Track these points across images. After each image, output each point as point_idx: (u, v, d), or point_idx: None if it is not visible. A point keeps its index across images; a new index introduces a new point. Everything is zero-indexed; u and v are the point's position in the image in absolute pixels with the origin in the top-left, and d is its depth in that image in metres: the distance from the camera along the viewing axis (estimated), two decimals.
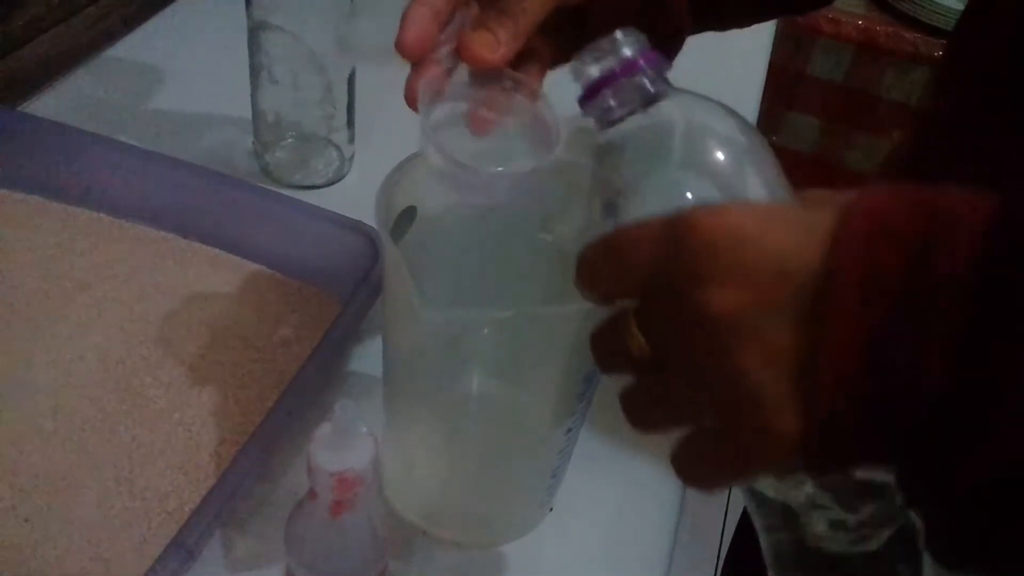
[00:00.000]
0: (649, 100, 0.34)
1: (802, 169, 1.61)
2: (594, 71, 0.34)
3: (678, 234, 0.28)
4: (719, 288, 0.27)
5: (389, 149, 0.45)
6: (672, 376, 0.30)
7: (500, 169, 0.40)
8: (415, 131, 0.43)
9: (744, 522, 0.80)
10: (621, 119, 0.34)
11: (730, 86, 0.55)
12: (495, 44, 0.39)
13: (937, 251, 0.25)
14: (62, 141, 0.63)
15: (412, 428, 0.49)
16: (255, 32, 0.64)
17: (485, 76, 0.41)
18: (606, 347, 0.32)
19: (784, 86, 1.49)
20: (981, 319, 0.24)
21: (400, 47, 0.40)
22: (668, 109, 0.34)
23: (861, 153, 1.53)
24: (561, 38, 0.44)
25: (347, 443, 0.36)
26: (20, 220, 0.62)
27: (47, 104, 0.75)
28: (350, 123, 0.70)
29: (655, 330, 0.29)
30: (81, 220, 0.63)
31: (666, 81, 0.34)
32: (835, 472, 0.28)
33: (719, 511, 1.55)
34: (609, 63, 0.34)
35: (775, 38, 1.06)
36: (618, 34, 0.34)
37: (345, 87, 0.68)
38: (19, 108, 0.74)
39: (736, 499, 1.56)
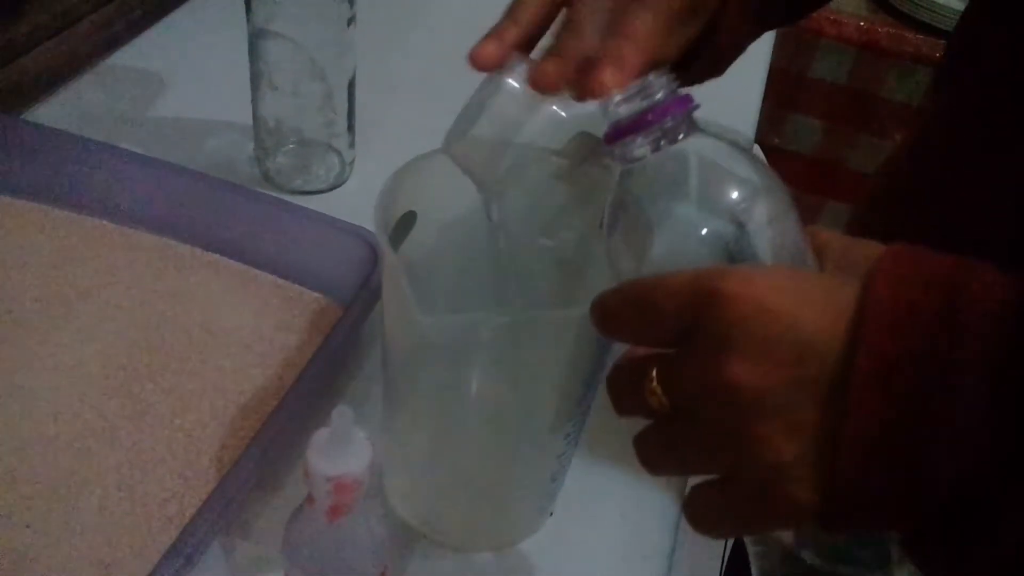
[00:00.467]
0: (673, 141, 0.34)
1: (805, 170, 1.61)
2: (625, 113, 0.34)
3: (707, 300, 0.28)
4: (747, 361, 0.27)
5: (389, 154, 0.45)
6: (691, 432, 0.30)
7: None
8: (414, 136, 0.43)
9: None
10: (639, 155, 0.34)
11: (731, 88, 0.55)
12: (620, 78, 0.38)
13: (957, 339, 0.25)
14: (63, 148, 0.64)
15: (412, 432, 0.49)
16: (255, 39, 0.64)
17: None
18: (624, 394, 0.33)
19: (786, 88, 1.49)
20: (998, 409, 0.25)
21: (474, 56, 0.41)
22: (689, 149, 0.34)
23: (863, 154, 1.53)
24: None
25: (344, 448, 0.36)
26: (22, 227, 0.63)
27: (50, 112, 0.76)
28: (350, 129, 0.70)
29: (677, 389, 0.30)
30: (83, 227, 0.64)
31: (692, 122, 0.34)
32: (847, 534, 0.29)
33: None
34: (640, 106, 0.34)
35: (776, 40, 1.06)
36: (651, 77, 0.34)
37: (345, 93, 0.68)
38: (22, 116, 0.74)
39: None
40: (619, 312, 0.31)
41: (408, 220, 0.46)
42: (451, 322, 0.40)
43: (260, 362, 0.57)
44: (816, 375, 0.27)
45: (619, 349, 0.45)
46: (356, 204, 0.59)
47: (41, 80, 0.80)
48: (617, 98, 0.34)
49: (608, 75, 0.37)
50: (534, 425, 0.46)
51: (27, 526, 0.47)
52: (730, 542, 0.79)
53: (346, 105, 0.69)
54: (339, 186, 0.72)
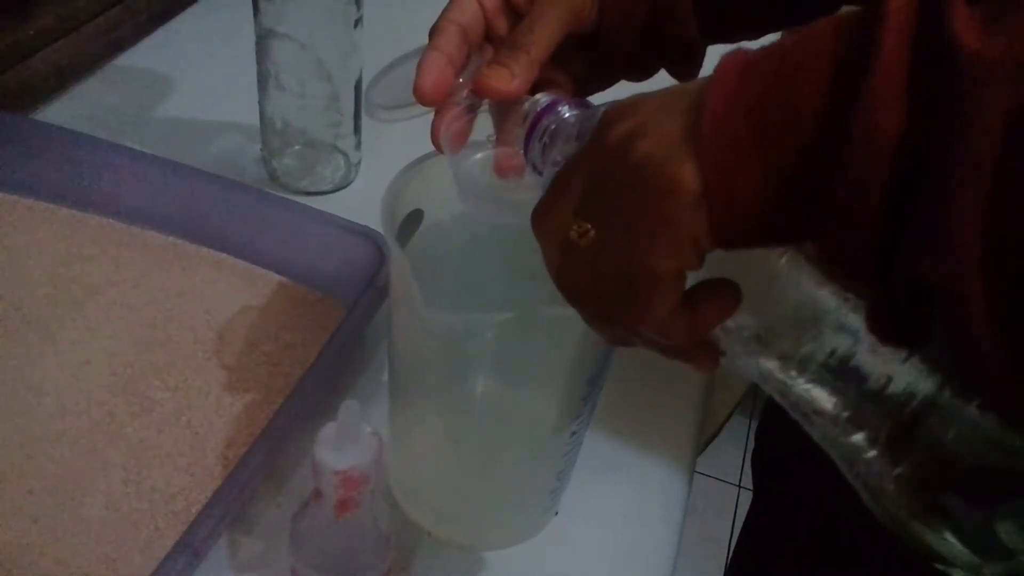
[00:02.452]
0: (580, 130, 0.36)
1: None
2: (523, 130, 0.38)
3: (598, 126, 0.32)
4: (621, 122, 0.31)
5: (395, 155, 0.46)
6: (599, 220, 0.31)
7: (527, 195, 0.41)
8: (422, 138, 0.43)
9: (749, 527, 0.80)
10: (559, 155, 0.37)
11: None
12: (510, 76, 0.40)
13: (802, 50, 0.27)
14: (71, 147, 0.64)
15: (418, 430, 0.49)
16: (263, 40, 0.65)
17: (506, 110, 0.42)
18: (551, 243, 0.34)
19: None
20: (845, 68, 0.26)
21: (418, 94, 0.41)
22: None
23: None
24: (575, 65, 0.45)
25: (351, 442, 0.37)
26: (30, 225, 0.63)
27: (58, 112, 0.76)
28: (356, 130, 0.71)
29: (587, 201, 0.32)
30: (90, 226, 0.64)
31: (590, 111, 0.36)
32: (750, 241, 0.29)
33: (727, 515, 1.55)
34: (528, 116, 0.38)
35: None
36: (536, 95, 0.39)
37: (352, 94, 0.68)
38: (30, 116, 0.75)
39: (743, 504, 1.56)
40: (541, 202, 0.34)
41: (415, 218, 0.46)
42: (456, 319, 0.40)
43: (265, 360, 0.57)
44: (680, 101, 0.30)
45: (624, 350, 0.45)
46: (362, 205, 0.59)
47: (48, 81, 0.80)
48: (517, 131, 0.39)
49: (499, 79, 0.41)
50: (539, 424, 0.46)
51: (34, 521, 0.47)
52: (733, 543, 0.79)
53: (352, 106, 0.69)
54: (345, 187, 0.72)
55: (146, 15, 0.91)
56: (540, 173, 0.39)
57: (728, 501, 1.58)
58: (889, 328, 0.28)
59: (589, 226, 0.32)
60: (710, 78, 0.28)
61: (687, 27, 0.47)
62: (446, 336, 0.41)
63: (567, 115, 0.38)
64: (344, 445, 0.37)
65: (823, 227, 0.27)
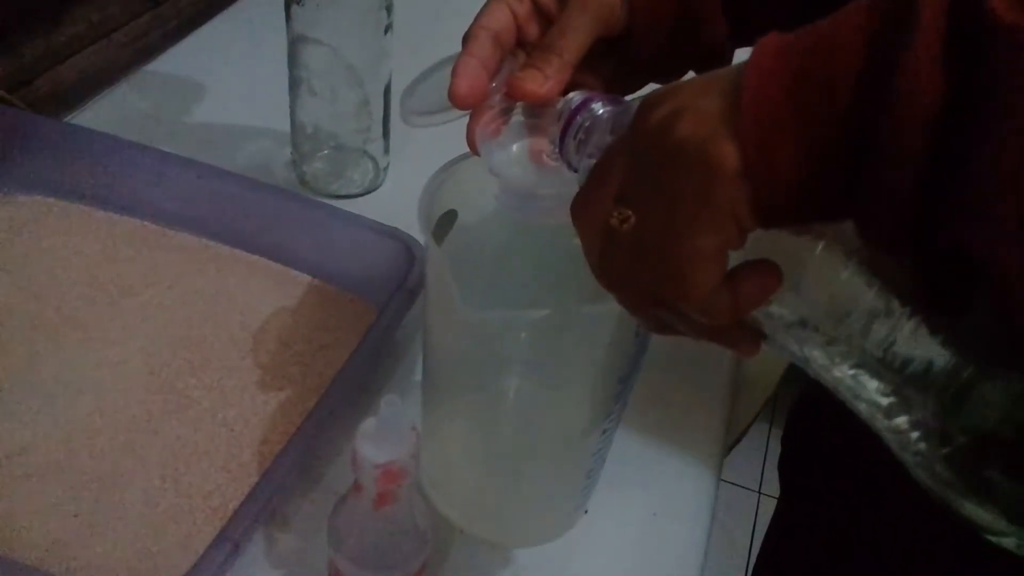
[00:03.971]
0: (614, 128, 0.37)
1: None
2: (558, 127, 0.39)
3: (636, 114, 0.32)
4: (662, 105, 0.31)
5: (423, 159, 0.47)
6: (641, 204, 0.32)
7: (560, 190, 0.42)
8: (449, 142, 0.44)
9: (775, 527, 0.80)
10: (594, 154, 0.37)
11: None
12: (542, 79, 0.41)
13: (837, 28, 0.28)
14: (107, 151, 0.65)
15: (450, 427, 0.50)
16: (295, 46, 0.66)
17: (539, 113, 0.43)
18: (591, 234, 0.35)
19: None
20: (878, 41, 0.27)
21: (453, 98, 0.42)
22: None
23: None
24: (605, 68, 0.45)
25: (392, 436, 0.37)
26: (68, 228, 0.64)
27: (91, 117, 0.77)
28: (385, 134, 0.72)
29: (626, 186, 0.32)
30: (126, 228, 0.65)
31: (624, 108, 0.37)
32: (790, 219, 0.30)
33: (747, 522, 1.54)
34: (563, 114, 0.39)
35: None
36: (570, 94, 0.39)
37: (381, 99, 0.69)
38: (64, 120, 0.76)
39: (763, 511, 1.56)
40: (580, 193, 0.35)
41: (449, 218, 0.47)
42: (492, 316, 0.40)
43: (298, 360, 0.58)
44: (720, 83, 0.30)
45: (654, 348, 0.46)
46: (390, 208, 0.60)
47: (80, 86, 0.82)
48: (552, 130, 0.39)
49: (533, 82, 0.42)
50: (571, 422, 0.47)
51: (75, 516, 0.48)
52: (758, 542, 0.79)
53: (382, 111, 0.70)
54: (373, 191, 0.73)
55: (176, 22, 0.92)
56: (575, 170, 0.39)
57: (748, 508, 1.58)
58: (934, 297, 0.29)
59: (630, 212, 0.32)
60: (747, 60, 0.29)
61: (715, 30, 0.48)
62: (482, 334, 0.42)
63: (600, 111, 0.38)
64: (384, 439, 0.37)
65: (863, 200, 0.28)
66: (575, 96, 0.40)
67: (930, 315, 0.29)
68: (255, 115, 0.78)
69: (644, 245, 0.32)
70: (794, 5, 0.52)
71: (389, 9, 0.65)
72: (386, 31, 0.66)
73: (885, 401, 0.30)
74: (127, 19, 0.88)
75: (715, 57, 0.49)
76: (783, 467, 0.76)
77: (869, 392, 0.30)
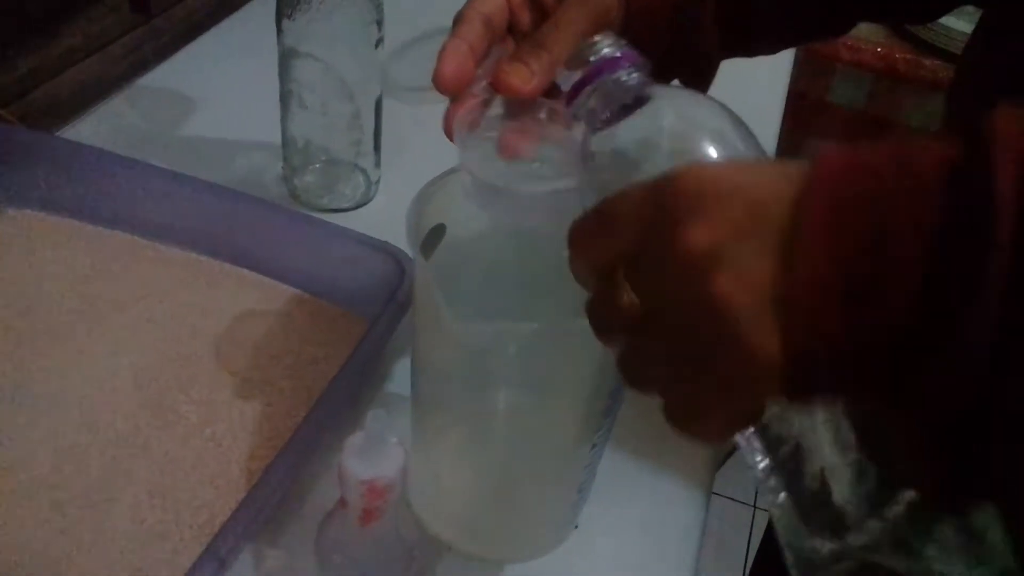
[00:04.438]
0: (634, 98, 0.34)
1: None
2: (576, 72, 0.35)
3: (660, 188, 0.30)
4: (697, 224, 0.28)
5: (415, 173, 0.46)
6: (663, 322, 0.30)
7: (531, 188, 0.41)
8: (440, 156, 0.44)
9: (767, 541, 0.79)
10: (609, 120, 0.35)
11: (749, 112, 0.56)
12: (529, 75, 0.40)
13: (908, 175, 0.26)
14: (97, 165, 0.65)
15: (440, 442, 0.49)
16: (285, 59, 0.66)
17: (521, 106, 0.43)
18: (600, 311, 0.33)
19: (804, 113, 1.50)
20: (943, 258, 0.25)
21: (437, 81, 0.41)
22: (656, 107, 0.34)
23: None
24: None
25: (378, 452, 0.37)
26: (57, 242, 0.64)
27: (83, 131, 0.77)
28: (377, 148, 0.72)
29: (644, 280, 0.30)
30: (116, 242, 0.65)
31: (649, 79, 0.35)
32: (818, 401, 0.29)
33: (743, 535, 1.54)
34: (588, 63, 0.35)
35: (795, 65, 1.07)
36: (597, 37, 0.35)
37: (372, 113, 0.69)
38: (56, 134, 0.76)
39: (759, 524, 1.55)
40: (586, 226, 0.32)
41: (438, 232, 0.47)
42: (481, 329, 0.40)
43: (288, 374, 0.57)
44: (768, 226, 0.27)
45: None
46: (381, 221, 0.60)
47: (74, 100, 0.82)
48: (571, 62, 0.35)
49: (519, 75, 0.40)
50: (560, 436, 0.47)
51: (61, 532, 0.48)
52: (751, 558, 0.78)
53: (373, 125, 0.70)
54: (365, 204, 0.73)
55: (170, 36, 0.93)
56: (576, 119, 0.37)
57: (744, 521, 1.57)
58: (944, 494, 0.28)
59: (637, 301, 0.31)
60: (798, 206, 0.27)
61: (707, 43, 0.48)
62: (470, 347, 0.42)
63: (628, 80, 0.35)
64: (370, 454, 0.37)
65: (901, 404, 0.27)
66: (603, 47, 0.36)
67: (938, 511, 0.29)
68: (247, 129, 0.78)
69: (644, 356, 0.31)
70: (787, 20, 0.52)
71: (380, 23, 0.65)
72: (377, 45, 0.66)
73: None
74: (121, 32, 0.88)
75: (704, 68, 0.49)
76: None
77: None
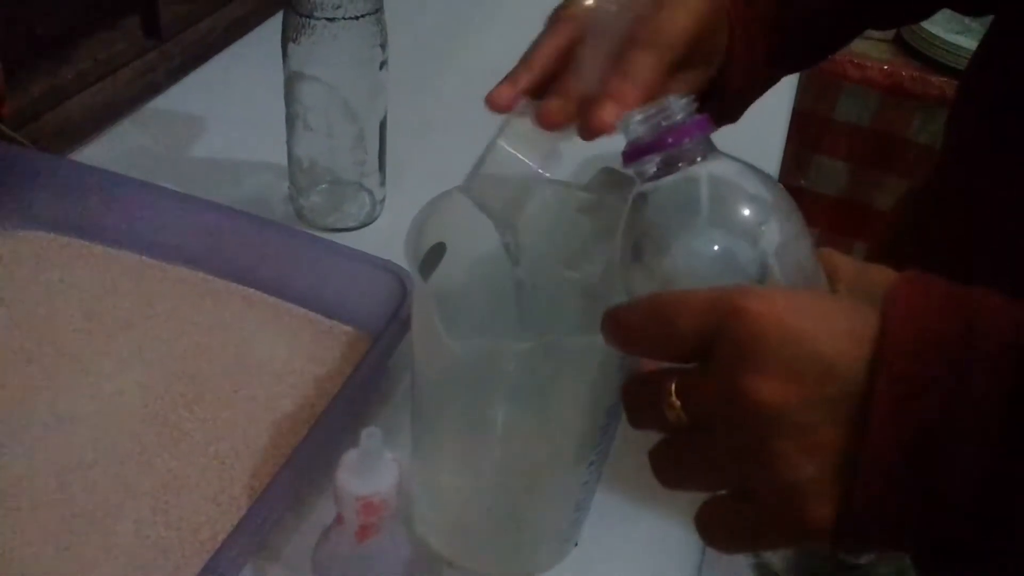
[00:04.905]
0: (691, 162, 0.34)
1: (831, 212, 1.61)
2: (644, 132, 0.35)
3: (726, 316, 0.29)
4: (765, 379, 0.28)
5: (419, 192, 0.47)
6: (708, 447, 0.30)
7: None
8: (443, 175, 0.45)
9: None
10: (659, 177, 0.35)
11: (755, 129, 0.57)
12: (616, 112, 0.40)
13: (976, 364, 0.26)
14: (107, 187, 0.66)
15: (439, 459, 0.50)
16: (291, 82, 0.67)
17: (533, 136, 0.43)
18: (641, 407, 0.33)
19: (811, 130, 1.50)
20: (1010, 439, 0.25)
21: (489, 101, 0.43)
22: (703, 166, 0.34)
23: (890, 196, 1.53)
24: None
25: (373, 468, 0.37)
26: (66, 263, 0.65)
27: (94, 153, 0.79)
28: (381, 168, 0.72)
29: (696, 403, 0.30)
30: (124, 262, 0.66)
31: (710, 146, 0.35)
32: (858, 554, 0.29)
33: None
34: (659, 127, 0.34)
35: (801, 83, 1.08)
36: (671, 99, 0.34)
37: (377, 134, 0.70)
38: (67, 156, 0.77)
39: None
40: (637, 325, 0.31)
41: (438, 251, 0.48)
42: (477, 346, 0.41)
43: (291, 392, 0.58)
44: (837, 395, 0.27)
45: None
46: (387, 240, 0.60)
47: (85, 123, 0.83)
48: (637, 117, 0.35)
49: (608, 111, 0.39)
50: (559, 453, 0.47)
51: (65, 549, 0.48)
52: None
53: (377, 145, 0.71)
54: (370, 223, 0.74)
55: (181, 59, 0.94)
56: (631, 176, 0.36)
57: None
58: None
59: (684, 418, 0.30)
60: (870, 385, 0.27)
61: (757, 68, 0.49)
62: (467, 364, 0.42)
63: (690, 148, 0.34)
64: (366, 471, 0.37)
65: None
66: (676, 110, 0.34)
67: None
68: (255, 150, 0.79)
69: (687, 465, 0.32)
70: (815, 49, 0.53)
71: (384, 46, 0.66)
72: (381, 67, 0.67)
73: None
74: (133, 56, 0.89)
75: (738, 106, 0.51)
76: None
77: None
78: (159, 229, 0.66)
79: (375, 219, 0.74)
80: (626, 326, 0.32)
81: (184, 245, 0.65)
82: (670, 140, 0.34)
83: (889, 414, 0.26)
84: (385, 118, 0.70)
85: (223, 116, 0.84)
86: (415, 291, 0.44)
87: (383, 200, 0.74)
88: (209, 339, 0.61)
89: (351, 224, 0.73)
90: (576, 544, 0.53)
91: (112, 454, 0.53)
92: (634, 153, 0.35)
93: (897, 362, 0.27)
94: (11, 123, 0.75)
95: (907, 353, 0.27)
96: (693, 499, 0.56)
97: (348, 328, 0.63)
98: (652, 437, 0.58)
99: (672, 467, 0.32)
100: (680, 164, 0.34)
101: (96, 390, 0.57)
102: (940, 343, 0.27)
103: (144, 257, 0.66)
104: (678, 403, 0.30)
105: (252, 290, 0.65)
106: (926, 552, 0.28)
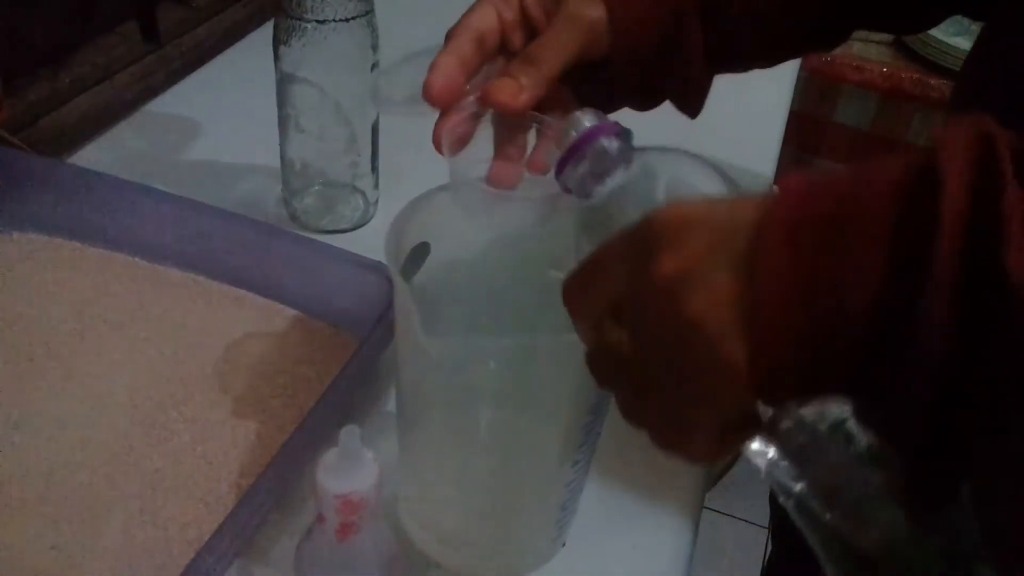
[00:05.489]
0: (618, 164, 0.37)
1: None
2: (559, 150, 0.38)
3: (637, 230, 0.31)
4: (670, 254, 0.30)
5: (412, 193, 0.47)
6: (647, 352, 0.31)
7: (516, 192, 0.43)
8: (436, 176, 0.45)
9: (773, 554, 0.79)
10: (596, 185, 0.37)
11: (750, 133, 0.57)
12: (517, 90, 0.41)
13: (861, 195, 0.27)
14: (100, 189, 0.66)
15: (425, 459, 0.50)
16: (283, 84, 0.67)
17: (510, 120, 0.43)
18: (597, 355, 0.34)
19: (810, 133, 1.50)
20: (897, 261, 0.26)
21: (426, 93, 0.42)
22: (643, 165, 0.37)
23: None
24: (582, 88, 0.46)
25: (352, 467, 0.38)
26: (59, 265, 0.66)
27: (91, 156, 0.79)
28: (374, 169, 0.73)
29: (631, 318, 0.32)
30: (116, 264, 0.66)
31: (631, 146, 0.37)
32: (790, 403, 0.30)
33: (756, 559, 1.52)
34: (572, 137, 0.38)
35: (799, 86, 1.08)
36: (578, 112, 0.38)
37: (369, 135, 0.70)
38: (65, 160, 0.78)
39: (746, 541, 1.54)
40: (576, 279, 0.34)
41: (422, 251, 0.48)
42: (455, 345, 0.41)
43: (280, 393, 0.58)
44: (732, 247, 0.29)
45: None
46: (380, 242, 0.60)
47: (83, 126, 0.84)
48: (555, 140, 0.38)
49: (504, 89, 0.41)
50: (543, 453, 0.47)
51: (52, 548, 0.49)
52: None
53: (370, 147, 0.71)
54: (364, 225, 0.74)
55: (179, 63, 0.95)
56: (569, 191, 0.39)
57: (758, 545, 1.56)
58: (917, 493, 0.29)
59: (626, 337, 0.32)
60: (761, 230, 0.28)
61: (694, 64, 0.48)
62: (447, 363, 0.42)
63: (610, 148, 0.37)
64: (345, 470, 0.37)
65: (870, 408, 0.28)
66: (585, 120, 0.38)
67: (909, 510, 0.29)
68: (249, 153, 0.79)
69: (636, 385, 0.33)
70: (775, 34, 0.53)
71: (375, 48, 0.66)
72: (372, 69, 0.67)
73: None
74: (131, 61, 0.90)
75: (693, 90, 0.50)
76: (773, 503, 0.76)
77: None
78: (153, 231, 0.66)
79: (368, 221, 0.74)
80: (568, 283, 0.34)
81: (177, 247, 0.66)
82: (579, 144, 0.37)
83: (779, 241, 0.28)
84: (377, 120, 0.70)
85: (218, 119, 0.85)
86: (396, 291, 0.44)
87: (376, 202, 0.74)
88: (200, 340, 0.61)
89: (344, 226, 0.73)
90: (563, 544, 0.53)
91: (100, 455, 0.53)
92: (559, 167, 0.38)
93: (786, 200, 0.28)
94: (9, 127, 0.76)
95: (797, 195, 0.28)
96: (682, 498, 0.56)
97: (338, 329, 0.63)
98: (643, 435, 0.59)
99: (629, 394, 0.33)
100: (609, 168, 0.36)
101: (86, 391, 0.57)
102: (829, 186, 0.28)
103: (137, 259, 0.66)
104: (614, 323, 0.32)
105: (243, 291, 0.65)
106: (854, 393, 0.28)
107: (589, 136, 0.37)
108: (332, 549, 0.40)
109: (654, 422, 0.33)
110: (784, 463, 0.32)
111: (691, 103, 0.50)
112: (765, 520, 1.59)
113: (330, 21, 0.63)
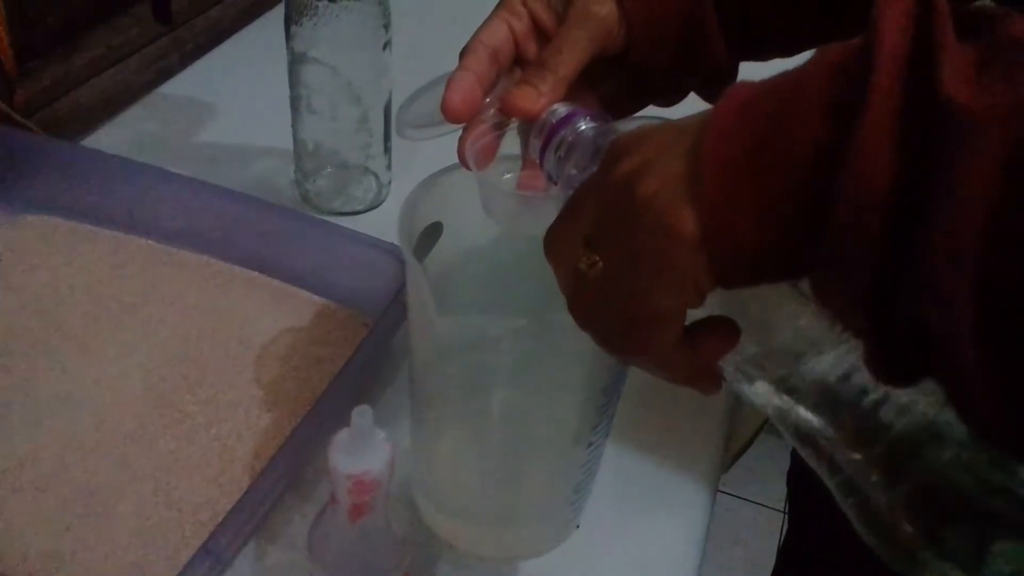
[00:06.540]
0: (596, 146, 0.37)
1: None
2: (537, 139, 0.39)
3: (604, 157, 0.33)
4: (628, 158, 0.31)
5: (425, 174, 0.47)
6: (604, 253, 0.32)
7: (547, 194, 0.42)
8: (450, 156, 0.44)
9: (787, 549, 0.78)
10: (573, 170, 0.38)
11: None
12: (536, 96, 0.41)
13: (800, 83, 0.28)
14: (114, 172, 0.66)
15: (438, 440, 0.50)
16: (295, 65, 0.66)
17: (533, 129, 0.43)
18: (576, 296, 0.35)
19: None
20: (833, 120, 0.26)
21: (445, 110, 0.42)
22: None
23: None
24: (604, 87, 0.45)
25: (364, 447, 0.37)
26: (73, 247, 0.66)
27: (104, 138, 0.79)
28: (387, 151, 0.72)
29: (594, 229, 0.32)
30: (131, 246, 0.66)
31: (607, 127, 0.38)
32: (748, 281, 0.30)
33: (772, 542, 1.52)
34: (547, 126, 0.39)
35: None
36: (553, 106, 0.39)
37: (382, 116, 0.70)
38: (79, 142, 0.78)
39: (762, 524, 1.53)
40: (552, 227, 0.35)
41: (435, 230, 0.47)
42: (467, 323, 0.40)
43: (294, 375, 0.58)
44: (684, 140, 0.30)
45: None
46: (393, 224, 0.60)
47: (97, 109, 0.84)
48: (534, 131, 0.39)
49: (524, 96, 0.41)
50: (556, 434, 0.47)
51: (67, 529, 0.49)
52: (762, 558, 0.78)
53: (383, 128, 0.70)
54: (377, 206, 0.73)
55: (192, 45, 0.94)
56: (555, 183, 0.39)
57: (774, 528, 1.55)
58: (886, 366, 0.28)
59: (597, 258, 0.32)
60: (710, 117, 0.29)
61: (715, 50, 0.47)
62: (459, 343, 0.42)
63: (583, 128, 0.38)
64: (357, 450, 0.37)
65: (821, 271, 0.28)
66: (559, 108, 0.39)
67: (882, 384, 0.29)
68: (262, 134, 0.79)
69: (608, 295, 0.33)
70: (794, 22, 0.52)
71: (387, 26, 0.65)
72: (385, 48, 0.66)
73: (837, 439, 0.30)
74: (145, 43, 0.90)
75: (717, 78, 0.49)
76: (791, 482, 0.75)
77: (821, 431, 0.30)
78: (166, 214, 0.66)
79: (382, 202, 0.74)
80: (549, 235, 0.35)
81: (190, 229, 0.65)
82: (548, 134, 0.38)
83: (723, 118, 0.29)
84: (390, 100, 0.69)
85: (232, 101, 0.85)
86: (408, 270, 0.43)
87: (390, 183, 0.74)
88: (213, 322, 0.61)
89: (357, 208, 0.73)
90: (578, 526, 0.53)
91: (114, 436, 0.53)
92: (541, 153, 0.39)
93: (735, 97, 0.29)
94: (23, 110, 0.76)
95: (746, 90, 0.29)
96: (697, 482, 0.56)
97: (351, 311, 0.62)
98: (658, 417, 0.58)
99: (580, 294, 0.34)
100: (588, 155, 0.37)
101: (100, 372, 0.57)
102: (777, 80, 0.28)
103: (151, 241, 0.66)
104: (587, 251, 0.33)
105: (256, 273, 0.65)
106: (803, 264, 0.28)
107: (562, 121, 0.38)
108: (345, 529, 0.39)
109: (615, 318, 0.33)
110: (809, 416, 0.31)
111: (716, 92, 0.50)
112: (780, 503, 1.59)
113: (342, 0, 0.62)
